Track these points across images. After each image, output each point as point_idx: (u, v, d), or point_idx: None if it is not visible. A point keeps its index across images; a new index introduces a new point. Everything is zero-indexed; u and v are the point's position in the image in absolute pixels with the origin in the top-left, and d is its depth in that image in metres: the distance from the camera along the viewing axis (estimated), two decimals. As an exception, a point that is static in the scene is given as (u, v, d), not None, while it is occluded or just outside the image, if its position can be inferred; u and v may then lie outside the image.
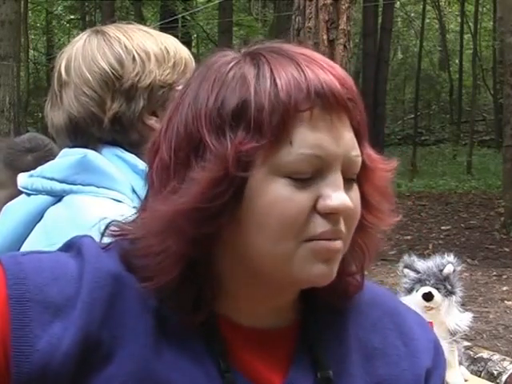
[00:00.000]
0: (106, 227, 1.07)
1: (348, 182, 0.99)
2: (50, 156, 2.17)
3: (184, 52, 1.61)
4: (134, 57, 1.54)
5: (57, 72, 1.59)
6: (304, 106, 0.96)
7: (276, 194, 0.96)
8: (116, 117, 1.53)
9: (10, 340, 0.94)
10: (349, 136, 0.99)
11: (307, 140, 0.96)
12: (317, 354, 1.05)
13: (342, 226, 0.98)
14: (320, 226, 0.97)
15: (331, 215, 0.97)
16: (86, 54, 1.55)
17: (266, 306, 1.05)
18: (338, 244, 0.98)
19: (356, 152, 1.00)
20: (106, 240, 1.06)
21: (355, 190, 1.01)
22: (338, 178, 0.97)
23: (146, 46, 1.56)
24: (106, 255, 1.02)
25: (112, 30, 1.58)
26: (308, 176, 0.96)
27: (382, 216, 1.06)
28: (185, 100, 1.01)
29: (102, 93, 1.53)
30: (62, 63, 1.58)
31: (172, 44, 1.60)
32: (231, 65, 0.99)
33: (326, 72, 0.99)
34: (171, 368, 0.98)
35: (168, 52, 1.57)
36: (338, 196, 0.96)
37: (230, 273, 1.02)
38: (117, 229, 1.05)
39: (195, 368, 0.99)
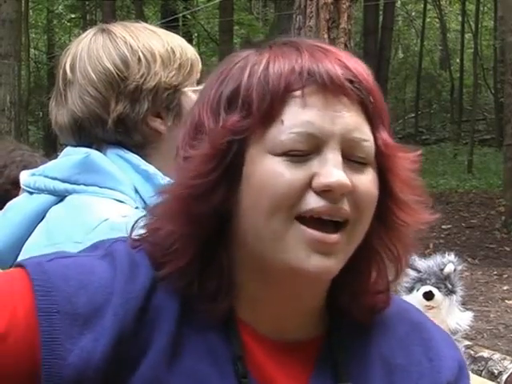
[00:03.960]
0: (131, 231, 1.06)
1: (356, 164, 0.99)
2: None
3: (190, 52, 1.59)
4: (139, 58, 1.52)
5: (61, 70, 1.57)
6: (295, 86, 0.98)
7: (270, 170, 0.97)
8: (120, 118, 1.51)
9: (40, 353, 0.94)
10: (352, 117, 0.99)
11: (298, 118, 0.97)
12: (338, 367, 1.04)
13: (346, 206, 0.97)
14: (314, 202, 0.97)
15: (328, 193, 0.96)
16: (92, 53, 1.54)
17: (286, 315, 1.04)
18: (334, 237, 0.97)
19: (360, 134, 0.99)
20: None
21: (367, 174, 1.00)
22: (334, 156, 0.97)
23: (152, 46, 1.54)
24: (138, 258, 1.02)
25: (118, 28, 1.57)
26: (304, 153, 0.97)
27: (412, 212, 1.04)
28: (198, 97, 1.07)
29: (106, 94, 1.51)
30: (67, 61, 1.57)
31: (178, 44, 1.58)
32: (240, 58, 1.03)
33: (330, 58, 1.00)
34: (184, 375, 0.97)
35: (174, 53, 1.56)
36: (332, 173, 0.96)
37: (240, 263, 1.02)
38: (139, 233, 1.05)
39: (213, 370, 0.99)
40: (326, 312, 1.07)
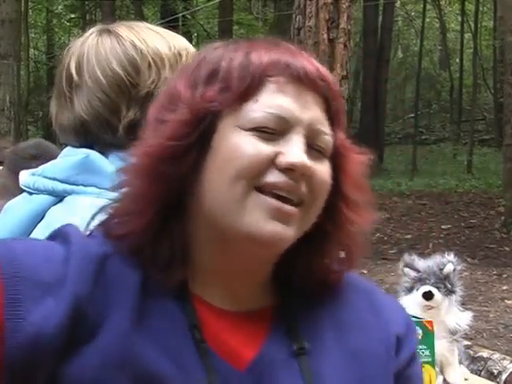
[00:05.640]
0: (92, 219, 1.14)
1: (315, 153, 1.06)
2: None
3: (193, 53, 1.58)
4: (149, 63, 1.52)
5: (65, 71, 1.56)
6: (272, 72, 1.06)
7: (238, 142, 1.04)
8: (131, 124, 1.51)
9: (4, 314, 0.99)
10: (318, 111, 1.07)
11: (273, 101, 1.05)
12: (292, 330, 1.10)
13: (303, 187, 1.04)
14: (274, 176, 1.03)
15: (289, 172, 1.03)
16: (100, 56, 1.53)
17: (236, 287, 1.10)
18: (291, 209, 1.03)
19: (324, 128, 1.07)
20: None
21: (325, 164, 1.07)
22: (299, 139, 1.05)
23: (160, 50, 1.54)
24: (91, 239, 1.09)
25: (124, 30, 1.56)
26: (272, 132, 1.04)
27: (360, 211, 1.11)
28: (173, 76, 1.15)
29: (116, 99, 1.51)
30: (71, 62, 1.55)
31: (184, 47, 1.58)
32: (219, 46, 1.11)
33: (305, 58, 1.08)
34: (149, 338, 1.02)
35: (180, 56, 1.56)
36: (296, 153, 1.03)
37: (195, 235, 1.08)
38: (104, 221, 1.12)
39: (172, 336, 1.04)
40: (276, 284, 1.13)
